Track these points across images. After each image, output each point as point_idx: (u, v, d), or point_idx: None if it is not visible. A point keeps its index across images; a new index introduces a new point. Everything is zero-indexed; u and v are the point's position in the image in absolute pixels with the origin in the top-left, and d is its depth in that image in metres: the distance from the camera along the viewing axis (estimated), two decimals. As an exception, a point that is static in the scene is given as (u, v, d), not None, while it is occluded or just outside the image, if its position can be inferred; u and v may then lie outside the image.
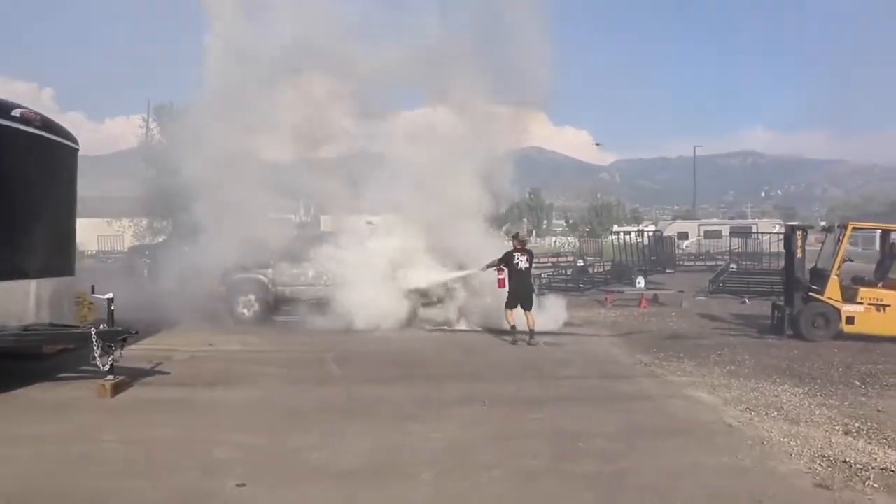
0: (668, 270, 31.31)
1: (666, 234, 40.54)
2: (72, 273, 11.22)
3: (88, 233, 55.71)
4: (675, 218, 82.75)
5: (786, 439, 7.20)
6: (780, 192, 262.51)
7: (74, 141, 11.25)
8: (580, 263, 34.64)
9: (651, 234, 36.27)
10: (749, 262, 34.48)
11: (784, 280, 16.19)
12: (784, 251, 15.97)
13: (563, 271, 29.71)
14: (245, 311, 16.32)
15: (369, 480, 6.14)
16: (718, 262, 34.87)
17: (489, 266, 14.38)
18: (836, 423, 7.89)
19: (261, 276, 16.32)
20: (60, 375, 10.11)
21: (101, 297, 9.86)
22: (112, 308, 9.69)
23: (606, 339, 14.70)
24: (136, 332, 9.73)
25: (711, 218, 69.31)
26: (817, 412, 8.41)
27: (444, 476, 6.20)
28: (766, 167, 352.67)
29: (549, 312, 15.67)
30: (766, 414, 8.29)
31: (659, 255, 31.78)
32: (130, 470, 6.41)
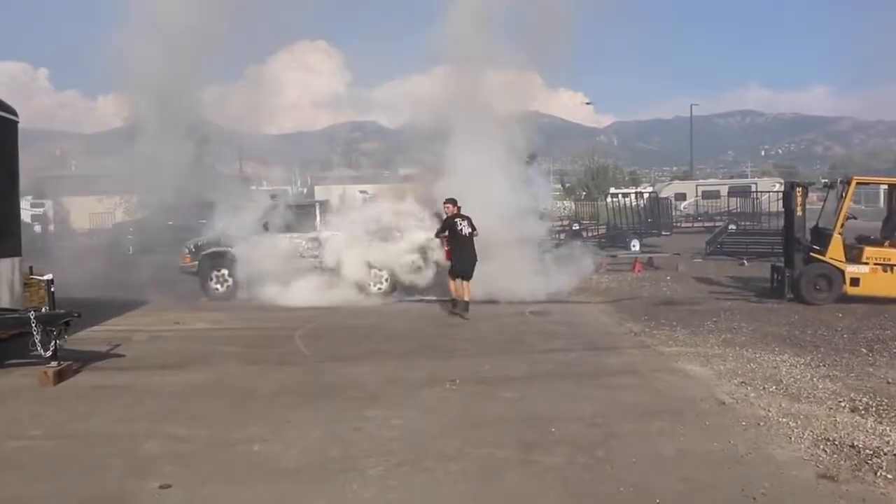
0: (664, 233, 30.59)
1: (663, 195, 39.77)
2: (18, 253, 10.45)
3: (81, 211, 55.53)
4: (672, 179, 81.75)
5: (785, 419, 6.43)
6: (780, 151, 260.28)
7: (13, 113, 10.45)
8: (575, 227, 33.94)
9: (647, 195, 35.49)
10: (748, 223, 33.90)
11: (784, 240, 15.39)
12: (784, 210, 15.14)
13: (556, 236, 28.92)
14: (218, 286, 15.56)
15: (311, 477, 5.40)
16: (717, 224, 34.25)
17: (437, 236, 13.47)
18: (841, 399, 7.11)
19: (234, 250, 15.53)
20: (10, 362, 9.35)
21: (40, 277, 9.10)
22: (52, 290, 8.93)
23: (596, 307, 13.96)
24: (79, 316, 8.93)
25: (710, 178, 68.09)
26: (820, 386, 7.64)
27: (395, 472, 5.44)
28: (764, 126, 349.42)
29: (540, 279, 14.91)
30: (764, 388, 7.52)
31: (655, 218, 31.04)
32: (46, 471, 5.68)
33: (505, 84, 16.48)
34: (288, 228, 15.49)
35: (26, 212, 51.67)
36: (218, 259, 15.55)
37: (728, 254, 23.73)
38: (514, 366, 8.92)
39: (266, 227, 15.41)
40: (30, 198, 56.13)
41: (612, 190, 47.89)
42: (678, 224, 37.08)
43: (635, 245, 27.27)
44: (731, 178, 72.61)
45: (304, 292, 14.48)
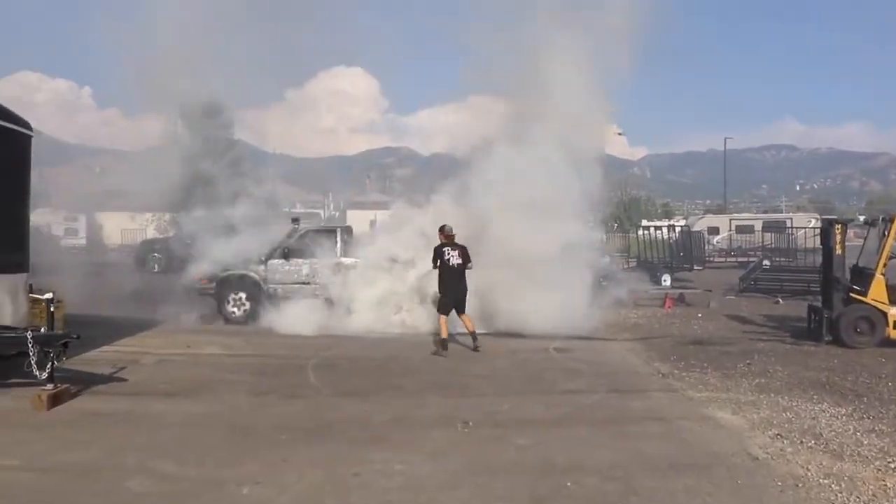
0: (696, 267, 29.78)
1: (695, 229, 38.92)
2: (25, 269, 10.18)
3: (115, 227, 56.05)
4: (705, 212, 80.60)
5: (826, 480, 5.82)
6: (815, 185, 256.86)
7: (28, 127, 10.25)
8: (605, 260, 33.25)
9: (679, 229, 34.75)
10: (783, 259, 32.98)
11: (822, 279, 14.69)
12: (821, 247, 14.46)
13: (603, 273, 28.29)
14: (235, 310, 15.22)
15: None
16: (750, 259, 33.39)
17: (434, 266, 12.55)
18: (890, 458, 6.43)
19: (252, 274, 15.20)
20: (10, 381, 9.00)
21: (41, 296, 8.79)
22: (52, 309, 8.63)
23: (624, 345, 13.35)
24: (77, 337, 8.60)
25: (743, 213, 66.93)
26: (865, 441, 6.99)
27: (392, 528, 4.96)
28: (800, 161, 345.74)
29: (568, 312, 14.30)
30: (802, 443, 6.91)
31: (687, 252, 30.28)
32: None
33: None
34: (309, 254, 15.14)
35: (59, 225, 52.56)
36: (235, 282, 15.22)
37: (762, 291, 22.98)
38: (531, 407, 8.40)
39: (286, 252, 15.08)
40: (63, 212, 56.93)
41: (644, 222, 47.12)
42: (711, 258, 36.20)
43: (666, 280, 26.51)
44: (766, 212, 71.38)
45: (321, 320, 14.07)
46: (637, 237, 33.15)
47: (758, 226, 41.53)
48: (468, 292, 12.37)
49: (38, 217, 50.92)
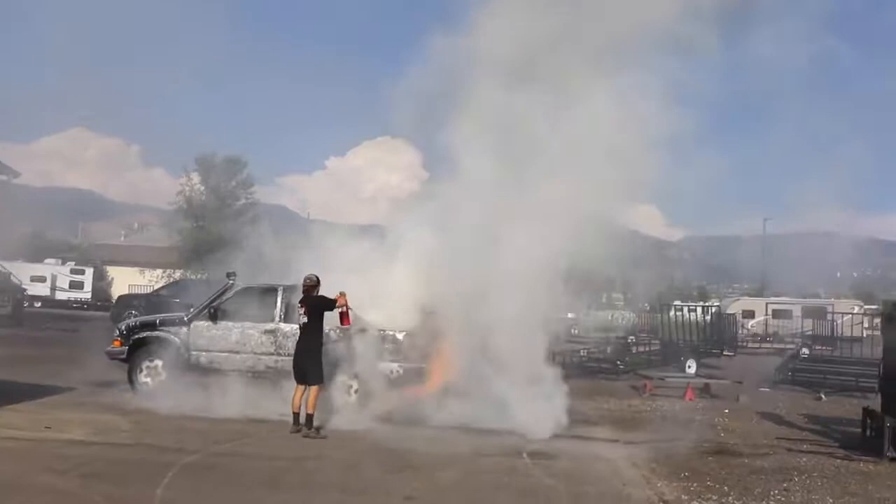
0: (727, 352, 26.51)
1: (729, 311, 35.69)
2: None
3: (122, 281, 54.73)
4: (741, 295, 76.80)
5: None
6: (855, 274, 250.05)
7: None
8: (630, 340, 30.23)
9: (712, 310, 31.57)
10: (824, 347, 29.68)
11: (881, 377, 11.58)
12: (882, 335, 11.39)
13: (601, 349, 25.20)
14: (148, 380, 12.39)
15: None
16: (788, 346, 30.12)
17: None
18: None
19: (172, 337, 12.45)
20: None
21: None
22: None
23: (623, 450, 10.25)
24: None
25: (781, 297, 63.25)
26: None
27: None
28: (840, 249, 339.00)
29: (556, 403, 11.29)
30: None
31: (718, 335, 27.06)
32: None
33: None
34: (241, 316, 12.40)
35: (65, 277, 50.98)
36: (151, 346, 12.47)
37: (801, 383, 19.69)
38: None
39: (213, 313, 12.35)
40: (72, 263, 55.62)
41: (677, 303, 43.87)
42: (744, 344, 32.93)
43: (691, 366, 23.37)
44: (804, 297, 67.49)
45: (244, 399, 11.25)
46: (667, 318, 29.95)
47: (796, 311, 38.22)
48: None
49: (45, 268, 49.28)
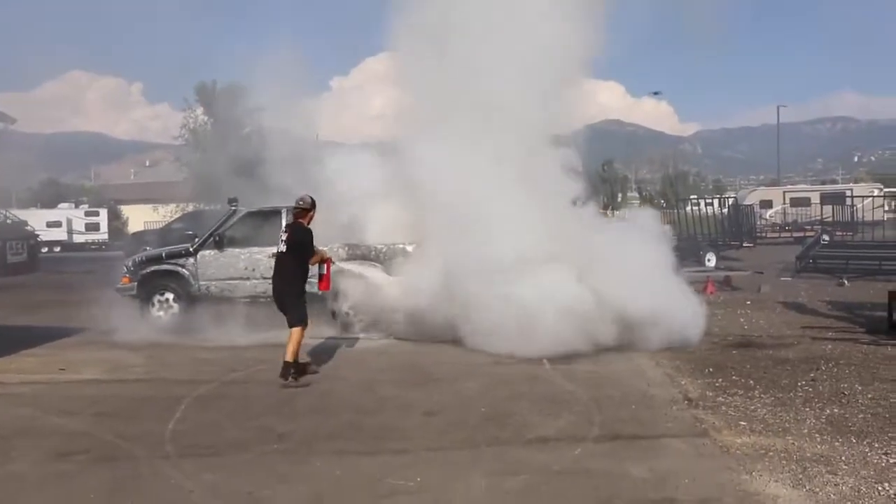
0: (746, 244, 26.23)
1: (746, 202, 35.19)
2: None
3: (138, 219, 54.79)
4: (758, 186, 76.03)
5: None
6: (873, 158, 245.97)
7: None
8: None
9: (728, 202, 31.08)
10: (844, 233, 29.31)
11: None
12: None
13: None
14: (161, 314, 12.27)
15: None
16: (807, 234, 29.73)
17: None
18: None
19: (180, 269, 12.26)
20: None
21: None
22: None
23: (644, 352, 10.02)
24: None
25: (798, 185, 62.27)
26: None
27: None
28: (857, 133, 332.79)
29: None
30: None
31: (737, 227, 26.71)
32: None
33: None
34: (248, 241, 12.15)
35: (80, 220, 51.19)
36: (161, 280, 12.30)
37: (823, 271, 19.39)
38: (465, 477, 5.25)
39: (219, 241, 12.11)
40: (85, 206, 55.63)
41: (693, 197, 43.36)
42: (763, 234, 32.58)
43: (710, 259, 23.15)
44: (822, 184, 66.55)
45: (257, 326, 11.09)
46: (683, 214, 29.54)
47: (815, 198, 37.57)
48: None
49: (60, 213, 49.19)
